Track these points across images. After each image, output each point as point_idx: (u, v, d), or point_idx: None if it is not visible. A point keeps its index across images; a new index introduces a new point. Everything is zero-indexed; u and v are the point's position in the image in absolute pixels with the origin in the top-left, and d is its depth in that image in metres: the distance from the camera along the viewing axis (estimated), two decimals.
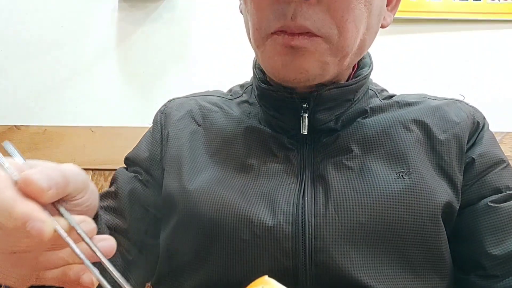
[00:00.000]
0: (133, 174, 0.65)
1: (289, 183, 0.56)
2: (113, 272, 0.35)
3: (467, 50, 1.18)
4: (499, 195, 0.56)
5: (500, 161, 0.59)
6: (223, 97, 0.70)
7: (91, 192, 0.40)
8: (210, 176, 0.58)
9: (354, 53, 0.55)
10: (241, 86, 0.72)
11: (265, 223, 0.52)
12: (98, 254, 0.35)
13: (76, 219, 0.35)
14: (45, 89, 1.18)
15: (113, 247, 0.36)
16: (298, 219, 0.52)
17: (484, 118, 0.64)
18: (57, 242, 0.34)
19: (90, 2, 1.22)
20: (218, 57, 1.18)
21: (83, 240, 0.35)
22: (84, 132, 1.15)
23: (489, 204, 0.55)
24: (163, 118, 0.68)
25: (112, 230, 0.59)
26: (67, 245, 0.34)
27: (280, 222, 0.52)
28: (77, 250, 0.34)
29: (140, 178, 0.64)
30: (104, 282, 0.34)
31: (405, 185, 0.53)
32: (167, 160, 0.63)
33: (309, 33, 0.50)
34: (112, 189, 0.64)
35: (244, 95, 0.69)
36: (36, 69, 1.19)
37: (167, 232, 0.59)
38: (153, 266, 0.62)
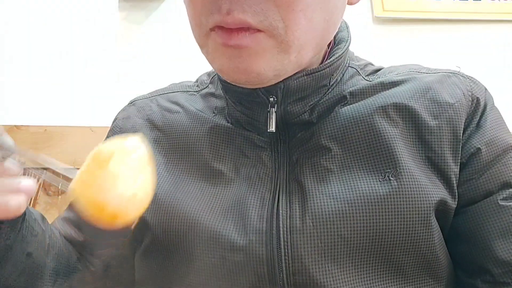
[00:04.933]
0: None
1: (262, 191, 0.49)
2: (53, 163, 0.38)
3: (467, 50, 1.18)
4: (510, 190, 0.49)
5: (508, 148, 0.50)
6: (187, 91, 0.63)
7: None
8: (174, 190, 0.52)
9: (316, 43, 0.47)
10: (208, 74, 0.64)
11: (236, 245, 0.46)
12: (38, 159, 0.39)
13: None
14: (45, 89, 1.18)
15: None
16: (272, 238, 0.46)
17: (485, 90, 0.54)
18: None
19: (90, 2, 1.22)
20: None
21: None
22: (84, 132, 1.15)
23: (500, 202, 0.48)
24: (118, 127, 0.62)
25: (70, 242, 0.58)
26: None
27: (252, 242, 0.46)
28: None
29: None
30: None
31: (392, 188, 0.47)
32: None
33: (250, 29, 0.42)
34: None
35: (210, 85, 0.61)
36: (36, 68, 1.19)
37: (139, 253, 0.55)
38: (125, 276, 0.58)
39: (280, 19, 0.42)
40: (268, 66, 0.44)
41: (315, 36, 0.45)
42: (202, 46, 0.48)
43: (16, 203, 0.39)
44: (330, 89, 0.53)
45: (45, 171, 0.44)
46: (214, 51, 0.46)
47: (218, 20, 0.42)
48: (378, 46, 1.17)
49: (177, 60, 1.20)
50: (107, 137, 0.64)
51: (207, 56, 0.49)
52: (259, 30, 0.42)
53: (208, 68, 0.61)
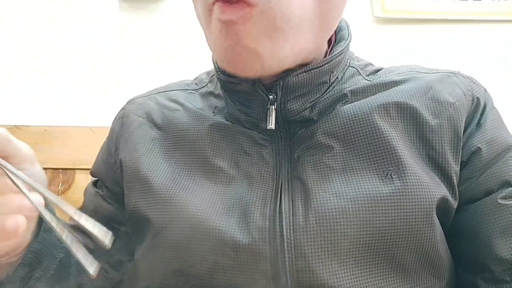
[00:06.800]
0: (96, 190, 0.63)
1: (264, 189, 0.49)
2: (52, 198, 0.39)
3: (467, 50, 1.18)
4: (509, 189, 0.49)
5: (509, 147, 0.51)
6: (186, 89, 0.63)
7: (36, 172, 0.44)
8: (176, 188, 0.52)
9: (312, 25, 0.46)
10: (208, 73, 0.64)
11: (239, 243, 0.46)
12: (36, 185, 0.39)
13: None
14: (45, 89, 1.18)
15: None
16: (275, 236, 0.46)
17: (484, 91, 0.55)
18: None
19: (90, 2, 1.22)
20: None
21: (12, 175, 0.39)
22: (84, 132, 1.15)
23: (499, 201, 0.49)
24: (118, 126, 0.62)
25: None
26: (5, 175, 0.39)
27: (255, 240, 0.46)
28: (19, 173, 0.39)
29: (102, 193, 0.62)
30: (44, 211, 0.38)
31: (394, 186, 0.47)
32: (126, 176, 0.57)
33: (247, 4, 0.41)
34: (80, 207, 0.62)
35: (209, 84, 0.61)
36: (36, 69, 1.19)
37: (142, 249, 0.54)
38: (136, 280, 0.58)
39: None
40: (264, 47, 0.43)
41: (310, 18, 0.45)
42: (206, 27, 0.47)
43: (13, 224, 0.38)
44: (330, 87, 0.53)
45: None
46: (215, 31, 0.44)
47: None
48: (378, 46, 1.17)
49: (177, 60, 1.20)
50: (108, 137, 0.64)
51: (210, 43, 0.48)
52: (249, 5, 0.41)
53: (208, 67, 0.61)
